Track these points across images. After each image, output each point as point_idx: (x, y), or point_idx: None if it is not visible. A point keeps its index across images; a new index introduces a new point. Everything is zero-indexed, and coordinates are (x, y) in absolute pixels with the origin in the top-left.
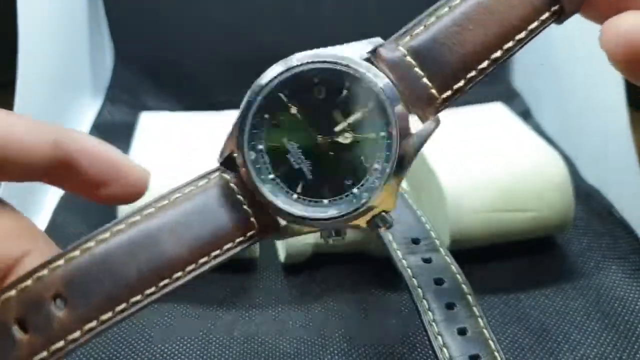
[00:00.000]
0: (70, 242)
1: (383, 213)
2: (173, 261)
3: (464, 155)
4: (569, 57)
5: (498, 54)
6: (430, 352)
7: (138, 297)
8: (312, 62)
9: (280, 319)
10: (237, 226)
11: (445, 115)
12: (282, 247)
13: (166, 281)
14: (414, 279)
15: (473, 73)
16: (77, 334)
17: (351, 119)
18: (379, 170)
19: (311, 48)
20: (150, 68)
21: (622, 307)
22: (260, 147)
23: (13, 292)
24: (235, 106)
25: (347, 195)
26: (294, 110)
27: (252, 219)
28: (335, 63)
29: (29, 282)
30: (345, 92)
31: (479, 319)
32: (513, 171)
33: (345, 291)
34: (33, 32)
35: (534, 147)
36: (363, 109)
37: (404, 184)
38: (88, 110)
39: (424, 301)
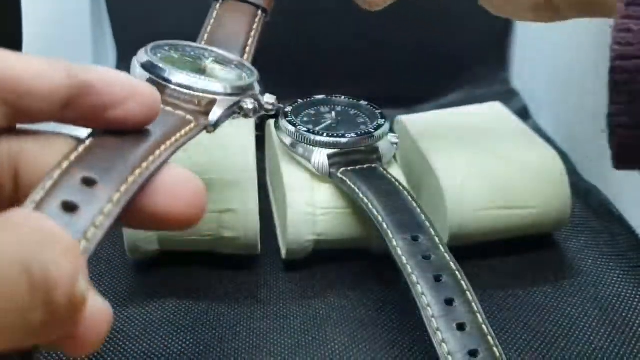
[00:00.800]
0: None
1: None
2: (152, 144)
3: (462, 154)
4: (567, 57)
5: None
6: (430, 347)
7: (140, 169)
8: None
9: (281, 314)
10: (181, 123)
11: (445, 114)
12: (283, 244)
13: (151, 158)
14: (413, 275)
15: None
16: (109, 206)
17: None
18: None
19: (311, 44)
20: None
21: (620, 304)
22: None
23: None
24: None
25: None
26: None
27: (188, 116)
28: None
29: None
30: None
31: (478, 315)
32: (511, 169)
33: (346, 287)
34: (37, 32)
35: (532, 145)
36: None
37: (404, 182)
38: None
39: (423, 297)
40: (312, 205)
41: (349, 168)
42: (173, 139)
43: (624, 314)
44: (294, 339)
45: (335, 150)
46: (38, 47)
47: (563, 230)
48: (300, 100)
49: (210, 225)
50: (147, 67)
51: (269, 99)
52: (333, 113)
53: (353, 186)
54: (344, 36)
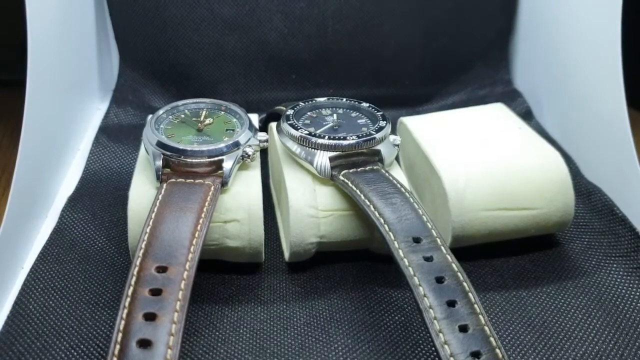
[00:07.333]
0: (77, 244)
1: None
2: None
3: (466, 155)
4: (570, 58)
5: None
6: (433, 349)
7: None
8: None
9: (285, 316)
10: (205, 189)
11: (447, 115)
12: (286, 246)
13: (197, 233)
14: (415, 277)
15: None
16: (182, 284)
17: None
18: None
19: (313, 44)
20: (155, 69)
21: (623, 305)
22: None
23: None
24: (240, 104)
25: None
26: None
27: (206, 182)
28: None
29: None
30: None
31: (480, 316)
32: (514, 170)
33: (349, 289)
34: (41, 35)
35: (535, 146)
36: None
37: (406, 184)
38: (95, 113)
39: (425, 299)
40: (314, 208)
41: (350, 170)
42: (205, 209)
43: (627, 315)
44: (297, 340)
45: (337, 152)
46: (42, 50)
47: (566, 231)
48: (301, 103)
49: (214, 235)
50: (161, 146)
51: (261, 136)
52: (334, 115)
53: (355, 188)
54: (345, 38)
